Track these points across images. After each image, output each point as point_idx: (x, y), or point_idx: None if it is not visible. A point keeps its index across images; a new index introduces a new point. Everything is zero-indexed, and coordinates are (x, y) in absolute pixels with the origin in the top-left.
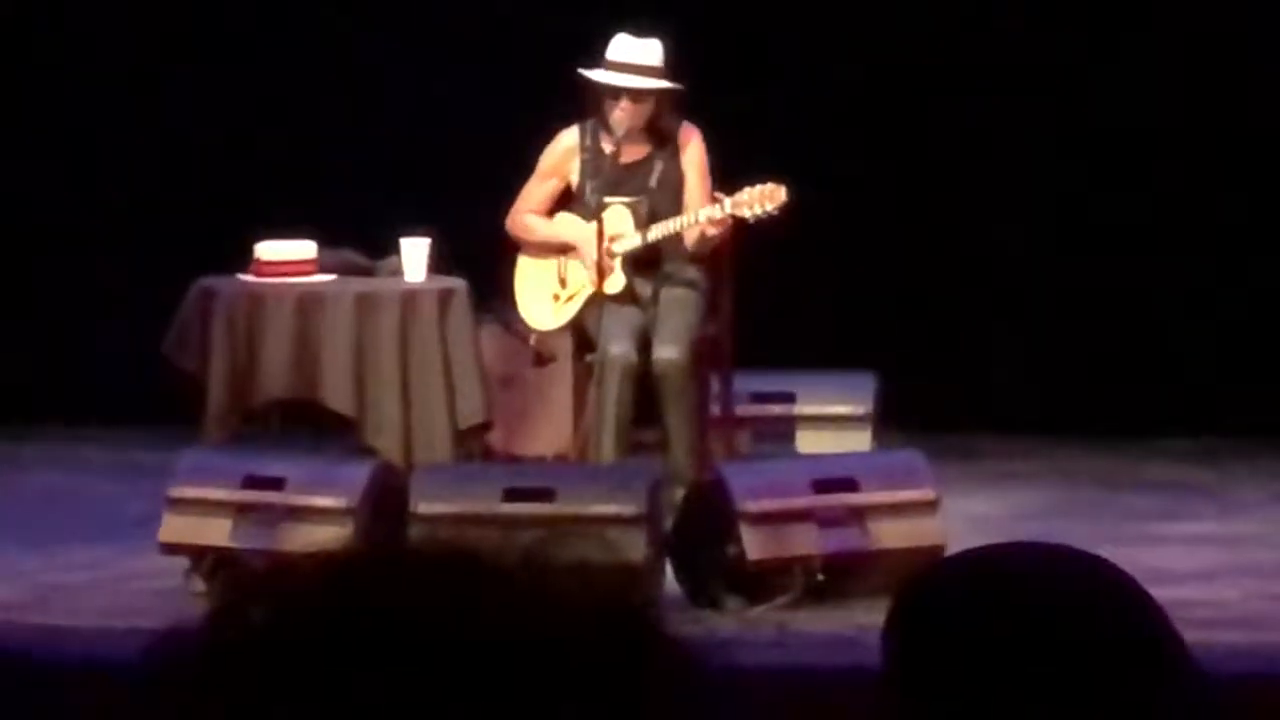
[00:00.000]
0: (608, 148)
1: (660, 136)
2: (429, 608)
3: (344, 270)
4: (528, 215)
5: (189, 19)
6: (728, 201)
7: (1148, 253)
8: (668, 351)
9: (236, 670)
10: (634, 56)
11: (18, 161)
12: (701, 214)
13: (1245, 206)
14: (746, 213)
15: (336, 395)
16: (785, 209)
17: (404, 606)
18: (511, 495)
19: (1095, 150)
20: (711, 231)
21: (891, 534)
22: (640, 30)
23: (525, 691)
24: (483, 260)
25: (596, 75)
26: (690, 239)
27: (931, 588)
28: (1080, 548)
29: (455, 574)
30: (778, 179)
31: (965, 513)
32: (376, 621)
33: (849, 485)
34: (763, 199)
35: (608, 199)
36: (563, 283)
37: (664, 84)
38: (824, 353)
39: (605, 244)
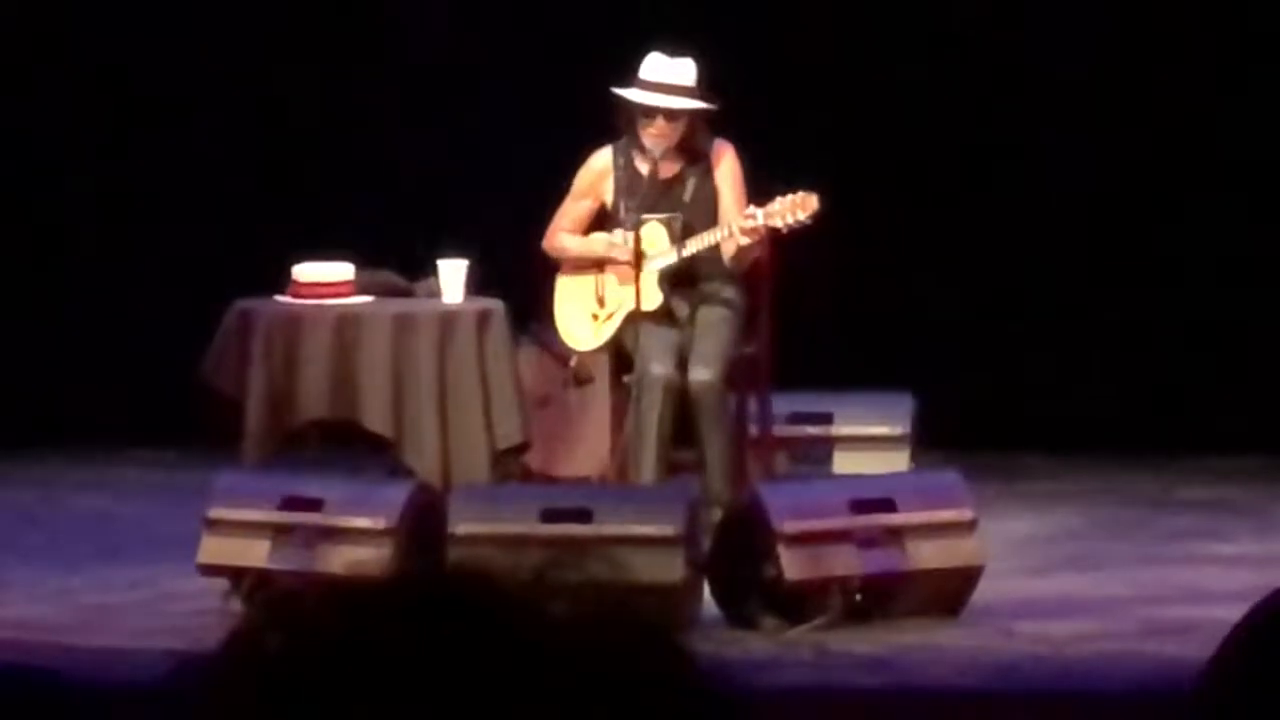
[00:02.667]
0: (641, 166)
1: (693, 154)
2: (438, 636)
3: (382, 291)
4: (562, 233)
5: (225, 41)
6: (760, 212)
7: (1187, 273)
8: (701, 373)
9: (249, 697)
10: (668, 76)
11: (55, 183)
12: (734, 225)
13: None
14: (779, 222)
15: (374, 416)
16: (818, 217)
17: (414, 636)
18: (549, 516)
19: (1135, 169)
20: (746, 242)
21: (929, 554)
22: (673, 49)
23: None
24: (521, 281)
25: (631, 95)
26: (728, 253)
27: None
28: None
29: (467, 601)
30: (817, 194)
31: (1004, 533)
32: (387, 651)
33: (887, 506)
34: (795, 208)
35: (643, 216)
36: (601, 302)
37: (698, 104)
38: (862, 373)
39: (641, 258)
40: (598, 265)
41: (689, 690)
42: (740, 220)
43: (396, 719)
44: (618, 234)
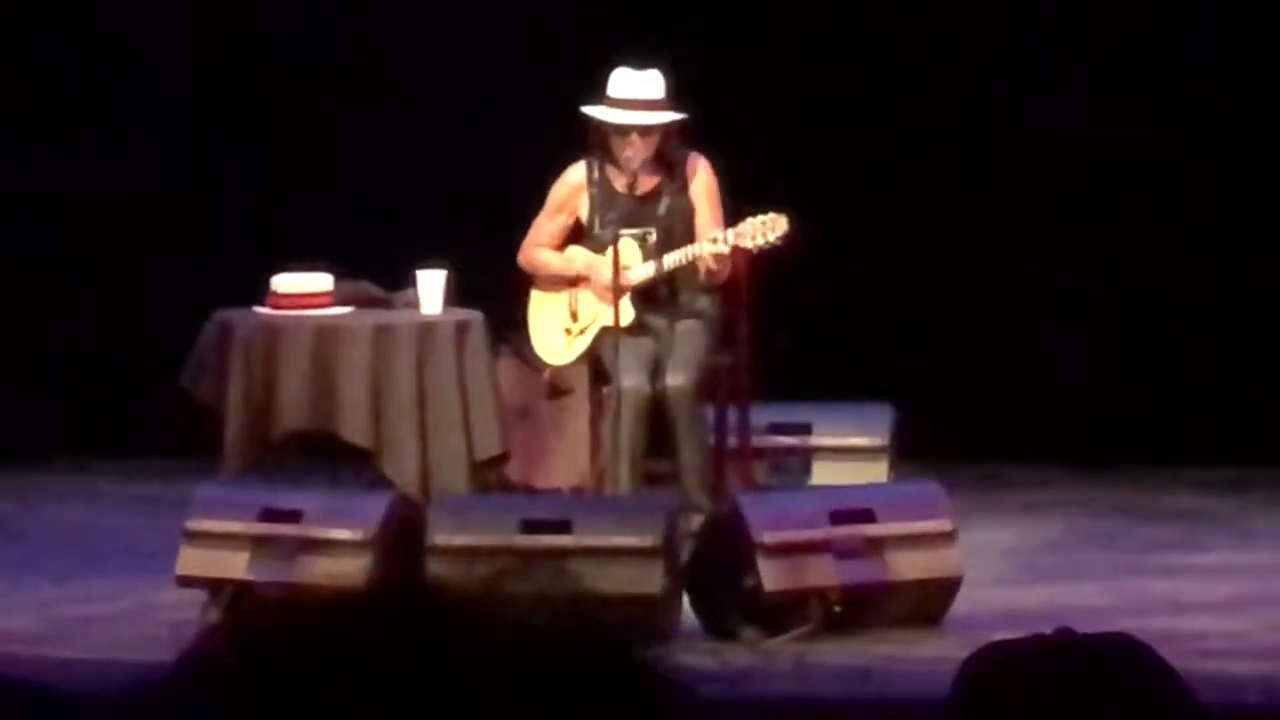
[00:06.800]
0: (616, 181)
1: (668, 167)
2: (394, 650)
3: (360, 302)
4: (539, 249)
5: (206, 52)
6: (730, 233)
7: (1169, 284)
8: (676, 379)
9: (202, 711)
10: (637, 91)
11: (33, 192)
12: (705, 247)
13: (1267, 236)
14: (749, 243)
15: (353, 427)
16: (787, 238)
17: (369, 650)
18: (528, 527)
19: (1115, 180)
20: (715, 265)
21: (909, 565)
22: (639, 61)
23: None
24: (499, 292)
25: (603, 113)
26: (701, 271)
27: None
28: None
29: (424, 615)
30: (793, 208)
31: (985, 543)
32: (342, 665)
33: (866, 516)
34: (764, 229)
35: (619, 232)
36: (574, 316)
37: (671, 116)
38: (841, 384)
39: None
40: (571, 280)
41: (645, 699)
42: (709, 244)
43: None
44: (603, 256)
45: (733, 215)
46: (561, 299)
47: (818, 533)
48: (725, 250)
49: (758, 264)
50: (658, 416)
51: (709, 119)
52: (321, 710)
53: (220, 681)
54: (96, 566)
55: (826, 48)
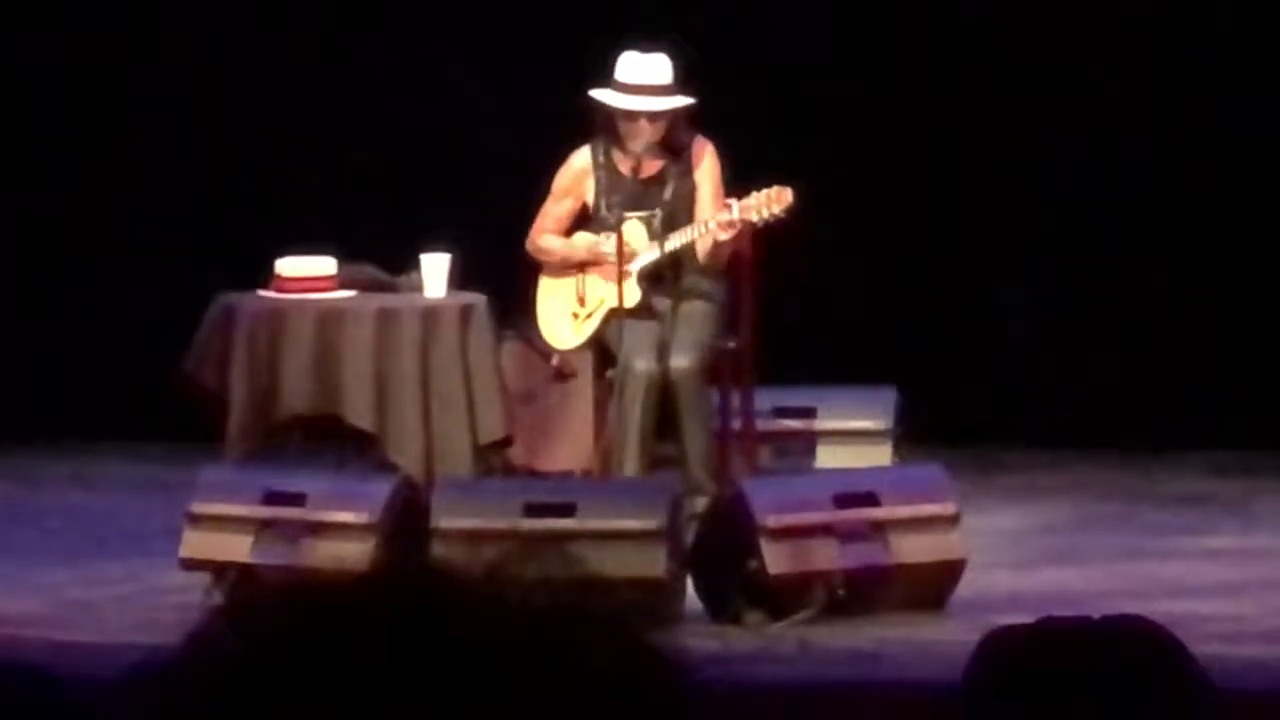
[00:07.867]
0: (621, 165)
1: (674, 150)
2: (394, 635)
3: (365, 286)
4: (545, 235)
5: (211, 37)
6: (736, 206)
7: (1172, 266)
8: (680, 360)
9: (205, 697)
10: (645, 76)
11: (39, 175)
12: (711, 220)
13: (1269, 225)
14: (754, 216)
15: (357, 411)
16: (793, 210)
17: (370, 635)
18: (532, 510)
19: (1117, 161)
20: (723, 237)
21: (912, 548)
22: (646, 45)
23: (481, 709)
24: (504, 275)
25: (611, 99)
26: (704, 250)
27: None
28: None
29: (424, 598)
30: (797, 193)
31: (989, 527)
32: (343, 650)
33: (870, 500)
34: (770, 202)
35: (624, 215)
36: (581, 300)
37: (679, 101)
38: (845, 367)
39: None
40: (579, 265)
41: (648, 683)
42: (716, 215)
43: (352, 717)
44: (601, 237)
45: (736, 195)
46: (569, 283)
47: (821, 516)
48: (730, 220)
49: (763, 247)
50: (665, 400)
51: (712, 104)
52: (325, 694)
53: (224, 665)
54: (100, 550)
55: (829, 34)
